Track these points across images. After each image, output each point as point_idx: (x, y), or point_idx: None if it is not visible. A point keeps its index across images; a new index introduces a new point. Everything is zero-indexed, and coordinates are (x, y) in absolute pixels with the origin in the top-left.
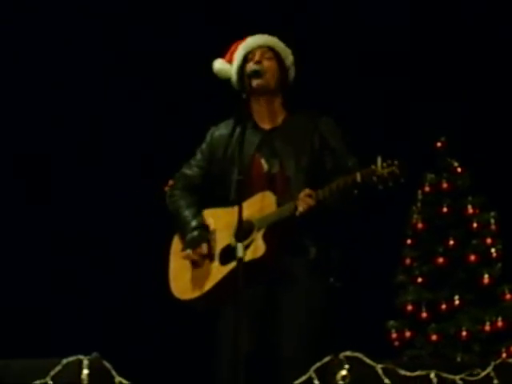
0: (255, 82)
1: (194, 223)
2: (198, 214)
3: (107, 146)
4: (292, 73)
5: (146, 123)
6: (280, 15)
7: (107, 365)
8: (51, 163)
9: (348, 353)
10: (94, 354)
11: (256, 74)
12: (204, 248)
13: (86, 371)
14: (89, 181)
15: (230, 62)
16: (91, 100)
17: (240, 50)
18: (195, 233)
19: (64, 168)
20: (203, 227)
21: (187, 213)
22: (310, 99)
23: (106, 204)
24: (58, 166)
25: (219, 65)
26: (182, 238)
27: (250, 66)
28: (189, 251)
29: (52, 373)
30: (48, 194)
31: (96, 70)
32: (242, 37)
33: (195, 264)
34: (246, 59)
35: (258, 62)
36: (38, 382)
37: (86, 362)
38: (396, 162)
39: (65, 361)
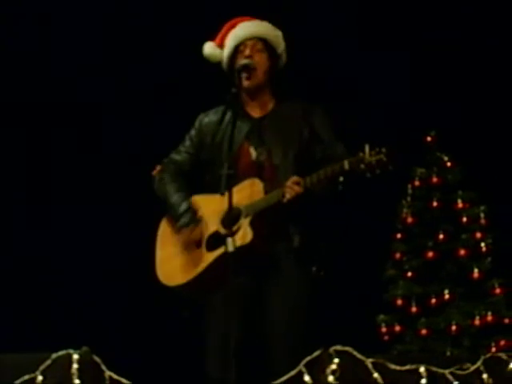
0: (246, 83)
1: (182, 207)
2: (186, 198)
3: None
4: (283, 59)
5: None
6: None
7: (97, 359)
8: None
9: (338, 347)
10: (84, 349)
11: (246, 68)
12: (196, 232)
13: (75, 365)
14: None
15: (220, 45)
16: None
17: (231, 41)
18: (185, 218)
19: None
20: (192, 212)
21: (176, 197)
22: (303, 88)
23: (95, 195)
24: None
25: (210, 49)
26: (171, 221)
27: (240, 61)
28: (181, 234)
29: (42, 367)
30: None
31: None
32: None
33: (187, 247)
34: (236, 50)
35: (249, 57)
36: (27, 376)
37: (75, 357)
38: (384, 150)
39: (54, 355)
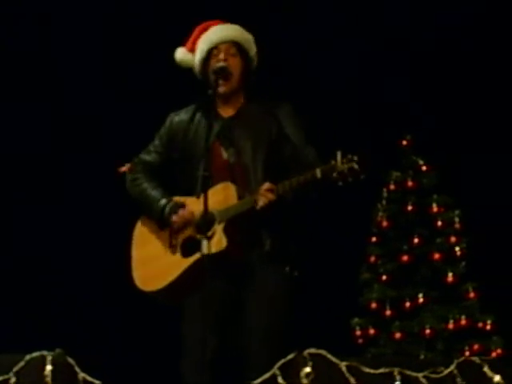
0: (222, 89)
1: (162, 202)
2: (165, 194)
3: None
4: (255, 63)
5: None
6: None
7: (71, 361)
8: None
9: (312, 350)
10: (58, 350)
11: (223, 71)
12: (186, 211)
13: (49, 367)
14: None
15: (191, 50)
16: None
17: (203, 45)
18: (168, 208)
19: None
20: (174, 202)
21: (155, 193)
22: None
23: (68, 195)
24: None
25: (181, 55)
26: (148, 222)
27: (215, 64)
28: (174, 217)
29: (15, 369)
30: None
31: None
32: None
33: (178, 231)
34: (209, 54)
35: (224, 61)
36: (0, 377)
37: (49, 358)
38: (356, 158)
39: (28, 357)
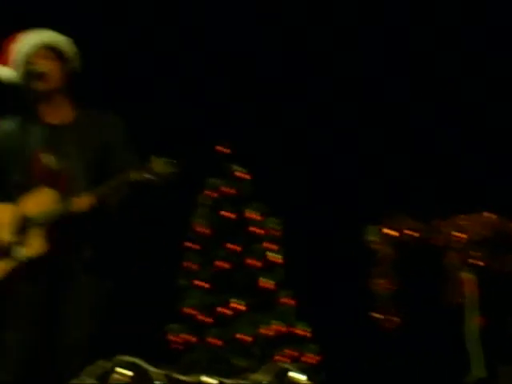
0: (40, 86)
1: None
2: None
3: None
4: (76, 62)
5: None
6: None
7: None
8: None
9: (125, 357)
10: None
11: (39, 77)
12: None
13: None
14: None
15: (4, 63)
16: None
17: (19, 53)
18: None
19: None
20: None
21: None
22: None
23: None
24: None
25: None
26: None
27: (32, 69)
28: None
29: None
30: None
31: None
32: (13, 32)
33: None
34: (27, 61)
35: (40, 65)
36: None
37: None
38: (169, 161)
39: None
